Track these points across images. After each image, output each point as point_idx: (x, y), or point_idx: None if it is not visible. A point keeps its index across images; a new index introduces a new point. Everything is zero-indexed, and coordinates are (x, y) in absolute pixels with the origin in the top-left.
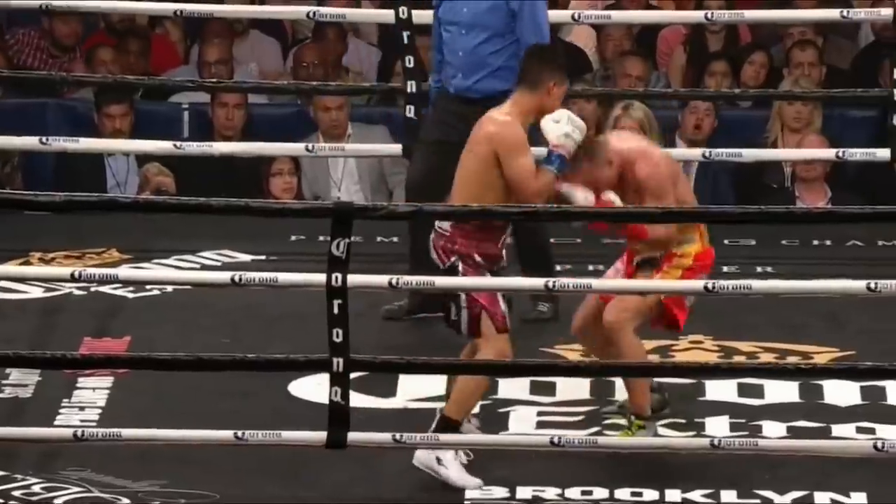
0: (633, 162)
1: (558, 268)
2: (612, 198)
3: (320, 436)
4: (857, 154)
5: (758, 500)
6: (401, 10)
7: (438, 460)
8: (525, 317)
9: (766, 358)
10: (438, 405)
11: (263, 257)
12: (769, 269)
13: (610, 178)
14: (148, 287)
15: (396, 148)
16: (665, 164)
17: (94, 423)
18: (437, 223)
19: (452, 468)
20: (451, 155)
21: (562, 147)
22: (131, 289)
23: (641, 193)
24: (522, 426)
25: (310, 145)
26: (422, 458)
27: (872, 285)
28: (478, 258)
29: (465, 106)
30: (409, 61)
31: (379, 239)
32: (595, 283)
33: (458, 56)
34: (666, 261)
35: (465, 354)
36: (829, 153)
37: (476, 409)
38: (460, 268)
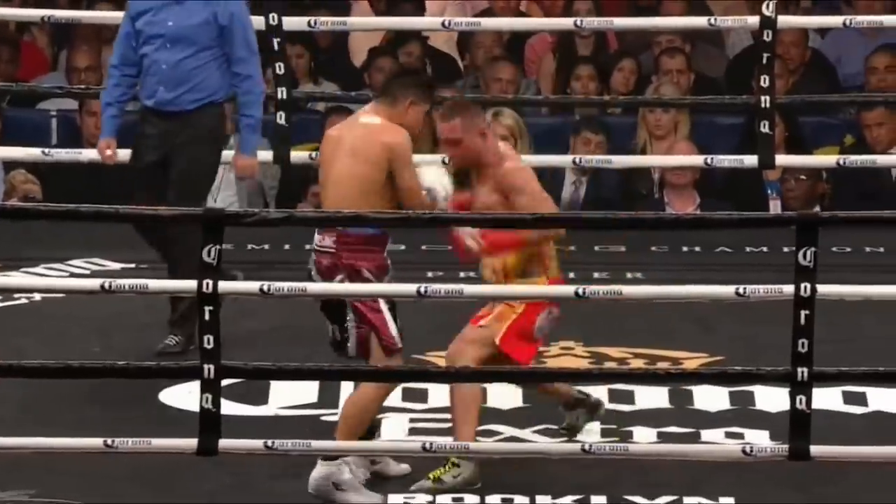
0: (502, 160)
1: (430, 274)
2: (470, 231)
3: (191, 443)
4: (725, 161)
5: None
6: (271, 16)
7: (336, 486)
8: (154, 349)
9: (637, 364)
10: (310, 412)
11: (133, 265)
12: (639, 275)
13: (477, 147)
14: (16, 295)
15: (266, 154)
16: (528, 171)
17: None
18: (317, 242)
19: (352, 492)
20: (164, 174)
21: (437, 192)
22: None
23: (513, 193)
24: (395, 433)
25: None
26: (317, 487)
27: (741, 291)
28: (366, 273)
29: (166, 121)
30: (280, 68)
31: (250, 247)
32: (466, 288)
33: (162, 69)
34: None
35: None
36: (698, 160)
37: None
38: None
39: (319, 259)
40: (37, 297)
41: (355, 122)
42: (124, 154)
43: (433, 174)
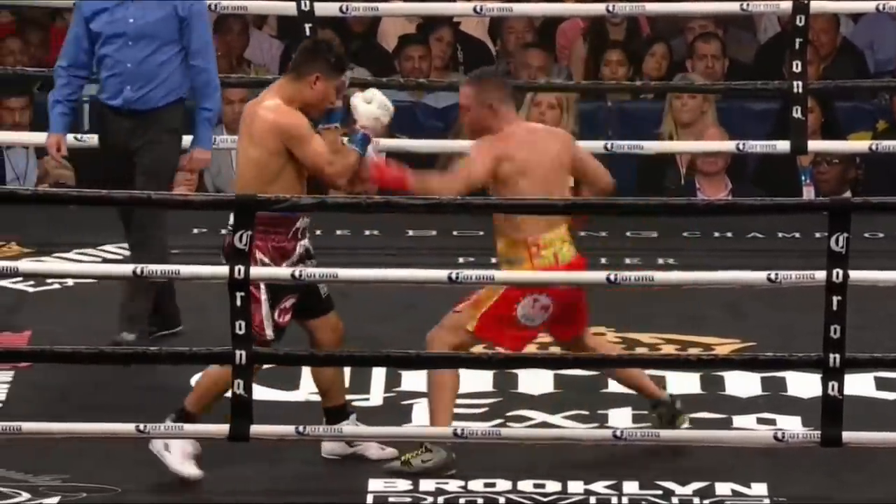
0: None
1: (461, 260)
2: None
3: (223, 428)
4: (757, 146)
5: (659, 492)
6: (303, 2)
7: (166, 446)
8: (113, 339)
9: (668, 349)
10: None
11: None
12: (671, 260)
13: (483, 121)
14: (49, 280)
15: None
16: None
17: None
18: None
19: (175, 455)
20: (129, 169)
21: (369, 129)
22: (32, 282)
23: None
24: (426, 418)
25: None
26: (154, 445)
27: (773, 276)
28: (259, 255)
29: (132, 118)
30: None
31: None
32: (498, 274)
33: (127, 68)
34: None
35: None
36: (730, 145)
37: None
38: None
39: (227, 237)
40: (69, 282)
41: (260, 100)
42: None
43: (365, 110)
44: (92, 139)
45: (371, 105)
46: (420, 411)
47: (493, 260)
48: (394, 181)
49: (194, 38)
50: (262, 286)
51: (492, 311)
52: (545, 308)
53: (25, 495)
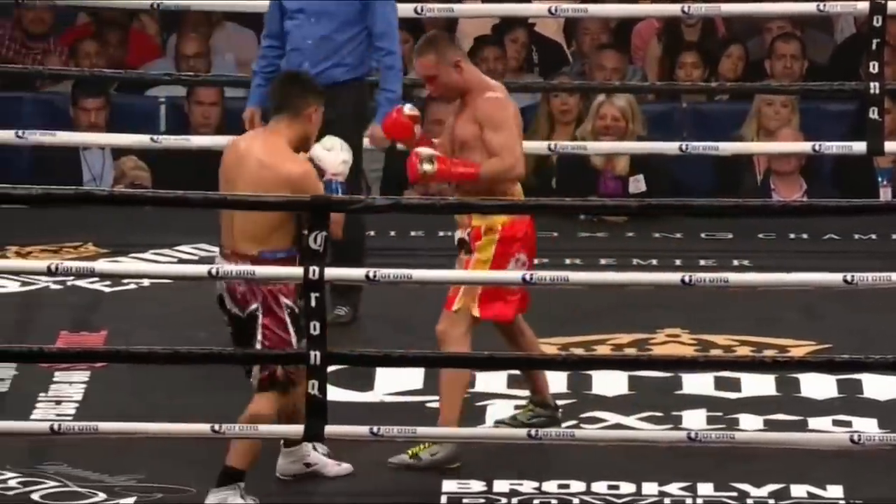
0: (484, 89)
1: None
2: (408, 110)
3: (298, 429)
4: (833, 147)
5: (734, 493)
6: None
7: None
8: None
9: (743, 351)
10: (415, 399)
11: None
12: (746, 262)
13: (454, 81)
14: (125, 281)
15: None
16: (511, 108)
17: (70, 417)
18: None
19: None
20: None
21: (341, 174)
22: (108, 282)
23: (489, 127)
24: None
25: None
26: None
27: (849, 278)
28: (283, 299)
29: None
30: None
31: None
32: (572, 275)
33: (307, 44)
34: (474, 239)
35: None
36: (806, 146)
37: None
38: (260, 319)
39: (233, 286)
40: (145, 282)
41: (258, 144)
42: None
43: (330, 158)
44: (168, 140)
45: (333, 152)
46: (493, 412)
47: (568, 261)
48: (459, 175)
49: (378, 21)
50: (287, 314)
51: (486, 290)
52: (525, 264)
53: (101, 495)
